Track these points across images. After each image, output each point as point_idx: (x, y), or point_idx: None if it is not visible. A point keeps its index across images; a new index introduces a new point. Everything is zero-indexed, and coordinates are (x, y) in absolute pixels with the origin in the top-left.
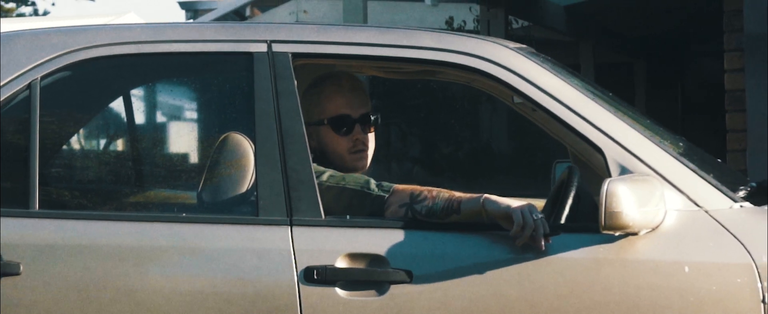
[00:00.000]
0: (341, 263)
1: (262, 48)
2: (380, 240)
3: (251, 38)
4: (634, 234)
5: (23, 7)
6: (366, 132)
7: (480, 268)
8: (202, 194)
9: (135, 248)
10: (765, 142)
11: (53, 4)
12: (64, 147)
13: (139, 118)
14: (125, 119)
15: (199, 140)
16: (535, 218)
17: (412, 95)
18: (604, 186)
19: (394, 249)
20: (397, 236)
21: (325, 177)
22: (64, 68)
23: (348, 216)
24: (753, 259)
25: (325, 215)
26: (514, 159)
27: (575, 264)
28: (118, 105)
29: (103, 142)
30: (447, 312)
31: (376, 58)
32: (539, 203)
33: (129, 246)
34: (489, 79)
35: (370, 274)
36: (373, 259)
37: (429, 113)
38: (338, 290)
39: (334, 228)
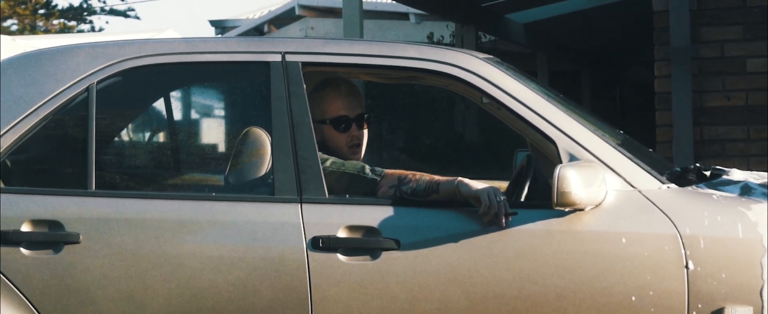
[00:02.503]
0: (342, 233)
1: (278, 58)
2: (374, 215)
3: (268, 50)
4: (581, 209)
5: (82, 24)
6: (361, 129)
7: (455, 238)
8: (228, 177)
9: (174, 221)
10: (687, 135)
11: (107, 22)
12: (116, 138)
13: (177, 115)
14: (165, 116)
15: (226, 133)
16: (499, 200)
17: (399, 96)
18: (556, 171)
19: (385, 222)
20: (387, 212)
21: (328, 163)
22: (116, 74)
23: (347, 196)
24: (678, 231)
25: (329, 194)
26: (482, 149)
27: (533, 234)
28: (159, 104)
29: (147, 135)
30: (428, 273)
31: (370, 66)
32: (502, 185)
33: (169, 220)
34: (462, 84)
35: (365, 243)
36: (367, 230)
37: (413, 111)
38: (339, 256)
39: (336, 205)
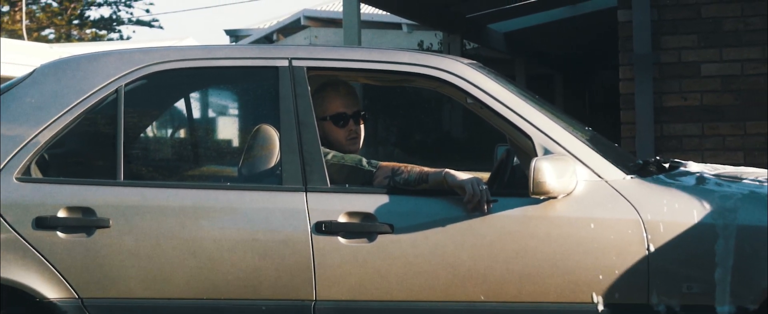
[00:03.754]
0: (342, 219)
1: (285, 63)
2: (370, 203)
3: (277, 56)
4: (554, 197)
5: (112, 33)
6: (358, 124)
7: (442, 222)
8: (241, 169)
9: (193, 208)
10: (648, 131)
11: (134, 32)
12: (142, 135)
13: (196, 113)
14: (185, 115)
15: (239, 130)
16: (481, 189)
17: (393, 97)
18: (532, 163)
19: (380, 209)
20: (382, 199)
21: (329, 156)
22: (142, 78)
23: (347, 185)
24: (640, 216)
25: (330, 184)
26: (466, 143)
27: (511, 219)
28: (180, 104)
29: (169, 131)
30: (418, 254)
31: (367, 71)
32: (484, 175)
33: (189, 207)
34: (449, 86)
35: (362, 227)
36: (365, 216)
37: (405, 111)
38: (340, 238)
39: (337, 193)
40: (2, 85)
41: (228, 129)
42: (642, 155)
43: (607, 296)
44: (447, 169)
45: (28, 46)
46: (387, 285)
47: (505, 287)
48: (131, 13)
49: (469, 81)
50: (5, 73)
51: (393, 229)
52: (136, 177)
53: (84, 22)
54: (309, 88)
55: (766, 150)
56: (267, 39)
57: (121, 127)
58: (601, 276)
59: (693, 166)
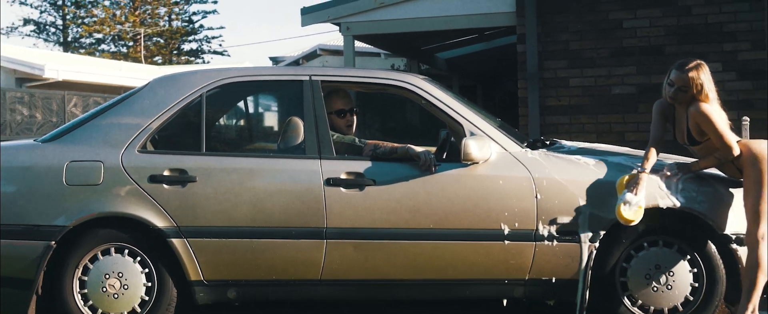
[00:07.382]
0: (343, 176)
1: (307, 78)
2: (361, 166)
3: (302, 73)
4: (477, 163)
5: (197, 59)
6: (352, 116)
7: (405, 178)
8: (279, 144)
9: (250, 169)
10: (536, 122)
11: (212, 58)
12: (216, 123)
13: (251, 109)
14: (244, 110)
15: (278, 120)
16: (430, 158)
17: (375, 100)
18: (463, 141)
19: (368, 170)
20: (368, 164)
21: (334, 137)
22: (217, 87)
23: (346, 155)
24: (531, 175)
25: (335, 154)
26: (422, 129)
27: (450, 177)
28: (241, 104)
29: (234, 121)
30: (391, 198)
31: (358, 83)
32: (432, 149)
33: (247, 168)
34: (410, 93)
35: (356, 182)
36: (357, 174)
37: (383, 108)
38: (342, 189)
39: (340, 160)
40: (128, 92)
41: (271, 119)
42: (532, 136)
43: (511, 225)
44: (409, 145)
45: (144, 68)
46: (371, 218)
47: (445, 219)
48: (210, 46)
49: (423, 90)
50: (131, 84)
51: (375, 183)
52: (214, 149)
53: (180, 52)
54: (322, 93)
55: (611, 133)
56: (295, 62)
57: (204, 118)
58: (506, 213)
59: (565, 143)
